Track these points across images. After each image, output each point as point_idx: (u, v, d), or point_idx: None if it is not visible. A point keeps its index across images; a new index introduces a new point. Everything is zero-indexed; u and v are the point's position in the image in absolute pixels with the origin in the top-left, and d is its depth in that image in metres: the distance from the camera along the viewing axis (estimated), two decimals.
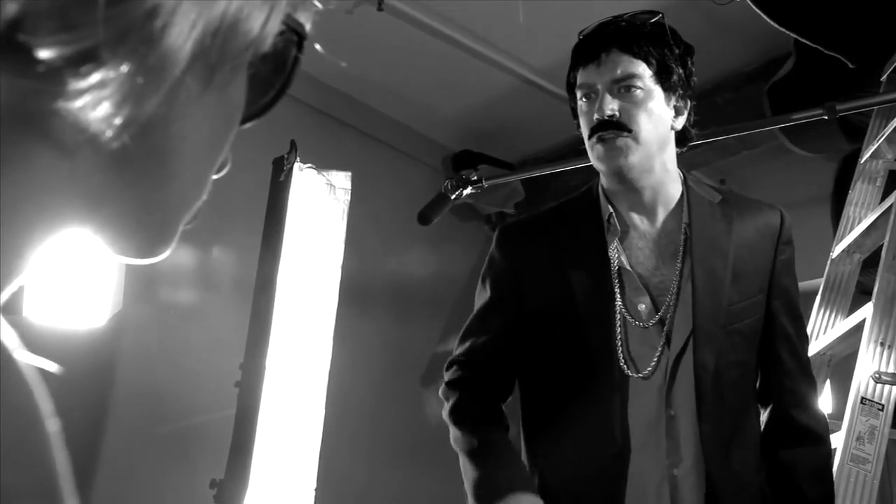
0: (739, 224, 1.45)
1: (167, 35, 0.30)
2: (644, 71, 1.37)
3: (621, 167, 1.37)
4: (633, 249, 1.43)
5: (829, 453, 1.45)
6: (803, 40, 2.26)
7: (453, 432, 1.45)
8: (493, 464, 1.39)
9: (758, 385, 1.48)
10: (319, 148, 2.67)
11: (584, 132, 1.42)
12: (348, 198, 2.29)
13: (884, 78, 2.18)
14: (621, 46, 1.37)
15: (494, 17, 2.97)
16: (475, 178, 1.82)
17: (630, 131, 1.35)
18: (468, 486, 1.40)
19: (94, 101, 0.29)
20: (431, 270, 3.57)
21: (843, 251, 2.22)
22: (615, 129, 1.36)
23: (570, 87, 1.46)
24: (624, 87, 1.37)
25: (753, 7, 2.16)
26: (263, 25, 0.34)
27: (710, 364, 1.35)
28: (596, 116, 1.37)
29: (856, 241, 2.18)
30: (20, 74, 0.28)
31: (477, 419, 1.45)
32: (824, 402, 2.15)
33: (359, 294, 2.78)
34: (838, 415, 1.85)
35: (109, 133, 0.30)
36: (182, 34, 0.30)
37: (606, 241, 1.42)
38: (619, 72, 1.36)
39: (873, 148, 2.30)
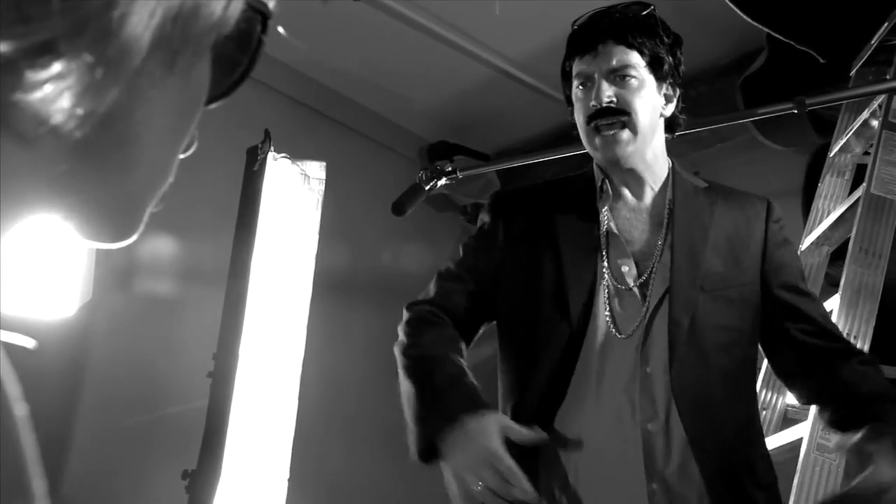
0: (723, 207, 1.51)
1: (126, 25, 0.30)
2: (638, 61, 1.45)
3: (619, 157, 1.45)
4: (621, 218, 1.49)
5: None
6: (775, 35, 2.29)
7: (399, 357, 1.42)
8: (444, 382, 1.35)
9: (771, 362, 1.50)
10: (294, 138, 2.65)
11: (581, 118, 1.48)
12: (323, 188, 2.28)
13: (853, 73, 2.21)
14: (616, 38, 1.44)
15: (471, 8, 2.97)
16: (450, 168, 1.82)
17: (627, 115, 1.43)
18: (410, 409, 1.35)
19: (54, 93, 0.29)
20: (406, 261, 3.56)
21: (812, 243, 2.25)
22: (613, 114, 1.43)
23: (566, 75, 1.53)
24: (619, 75, 1.44)
25: (727, 1, 2.18)
26: (225, 8, 0.34)
27: (685, 322, 1.39)
28: (593, 104, 1.44)
29: (824, 233, 2.21)
30: None
31: (431, 342, 1.42)
32: (789, 396, 2.18)
33: (332, 284, 2.77)
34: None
35: (71, 124, 0.30)
36: (141, 23, 0.30)
37: (598, 207, 1.48)
38: (614, 62, 1.44)
39: (842, 142, 2.34)
